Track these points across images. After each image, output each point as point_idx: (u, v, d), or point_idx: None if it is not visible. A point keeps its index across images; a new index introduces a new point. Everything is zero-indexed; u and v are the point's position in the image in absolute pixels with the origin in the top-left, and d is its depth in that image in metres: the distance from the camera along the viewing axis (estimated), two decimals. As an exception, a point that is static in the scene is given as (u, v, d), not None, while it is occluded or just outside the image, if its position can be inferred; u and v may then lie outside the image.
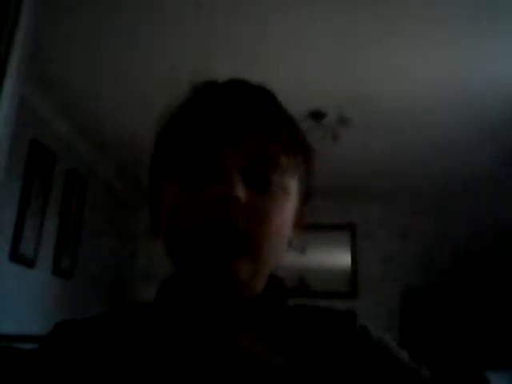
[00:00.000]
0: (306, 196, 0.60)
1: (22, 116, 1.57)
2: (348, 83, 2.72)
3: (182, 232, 0.52)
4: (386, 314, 4.28)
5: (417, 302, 4.04)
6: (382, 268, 4.50)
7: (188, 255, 0.52)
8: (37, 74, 2.62)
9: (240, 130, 0.53)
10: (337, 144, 3.20)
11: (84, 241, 3.65)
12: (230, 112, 0.54)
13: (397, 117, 3.08)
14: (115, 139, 3.52)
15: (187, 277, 0.54)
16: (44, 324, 2.85)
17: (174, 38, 2.36)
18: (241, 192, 0.50)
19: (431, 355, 3.10)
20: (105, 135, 3.47)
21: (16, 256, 2.73)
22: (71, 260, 3.46)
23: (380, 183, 4.21)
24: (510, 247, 3.57)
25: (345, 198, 4.55)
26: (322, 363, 0.52)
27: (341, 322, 0.57)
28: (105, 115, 3.20)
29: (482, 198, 3.98)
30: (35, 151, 2.90)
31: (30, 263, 2.90)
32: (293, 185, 0.56)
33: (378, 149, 3.54)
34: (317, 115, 2.98)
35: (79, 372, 0.50)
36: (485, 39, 2.30)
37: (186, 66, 2.41)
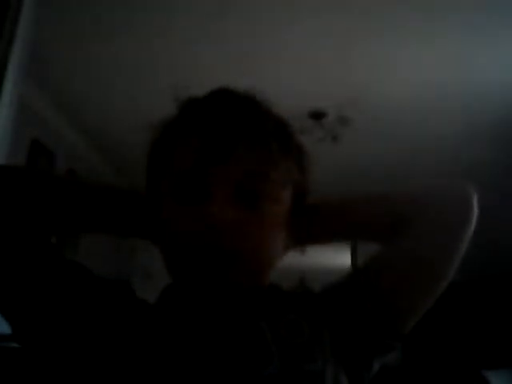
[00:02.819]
0: (303, 198, 0.59)
1: (22, 116, 1.57)
2: (348, 83, 2.72)
3: (178, 251, 0.53)
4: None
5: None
6: (381, 268, 4.49)
7: (183, 270, 0.54)
8: (37, 74, 2.62)
9: (225, 147, 0.52)
10: (337, 144, 3.20)
11: (83, 240, 3.65)
12: (214, 128, 0.53)
13: (397, 117, 3.08)
14: (115, 139, 3.51)
15: (185, 286, 0.55)
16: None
17: (180, 38, 2.36)
18: (228, 213, 0.50)
19: (430, 355, 3.10)
20: (105, 135, 3.47)
21: (16, 256, 2.73)
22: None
23: (380, 183, 4.21)
24: (503, 248, 3.57)
25: (345, 197, 4.55)
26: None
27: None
28: (105, 115, 3.20)
29: (482, 199, 3.97)
30: (35, 151, 2.90)
31: (30, 263, 2.89)
32: (286, 194, 0.56)
33: (378, 149, 3.53)
34: (317, 115, 2.98)
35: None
36: (485, 40, 2.30)
37: (188, 66, 2.41)
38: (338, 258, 4.73)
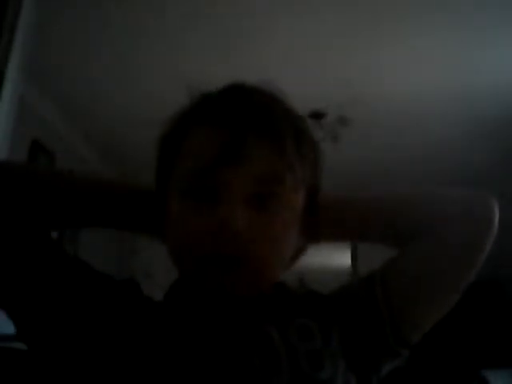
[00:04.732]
0: (315, 198, 0.57)
1: (22, 116, 1.57)
2: (348, 83, 2.72)
3: (183, 251, 0.52)
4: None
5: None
6: (381, 268, 4.49)
7: (189, 269, 0.53)
8: (37, 74, 2.62)
9: (239, 147, 0.50)
10: (337, 144, 3.20)
11: (84, 240, 3.65)
12: (228, 126, 0.51)
13: (397, 117, 3.08)
14: (116, 140, 3.51)
15: (191, 287, 0.54)
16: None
17: (180, 38, 2.36)
18: (237, 217, 0.48)
19: (430, 354, 3.10)
20: (105, 136, 3.47)
21: (16, 256, 2.73)
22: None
23: (380, 183, 4.20)
24: (504, 248, 3.57)
25: (345, 198, 4.54)
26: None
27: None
28: (105, 116, 3.19)
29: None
30: (35, 151, 2.90)
31: (29, 263, 2.89)
32: (299, 198, 0.54)
33: (378, 148, 3.53)
34: (317, 115, 2.98)
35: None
36: (485, 40, 2.30)
37: (191, 67, 2.41)
38: (338, 257, 4.72)
